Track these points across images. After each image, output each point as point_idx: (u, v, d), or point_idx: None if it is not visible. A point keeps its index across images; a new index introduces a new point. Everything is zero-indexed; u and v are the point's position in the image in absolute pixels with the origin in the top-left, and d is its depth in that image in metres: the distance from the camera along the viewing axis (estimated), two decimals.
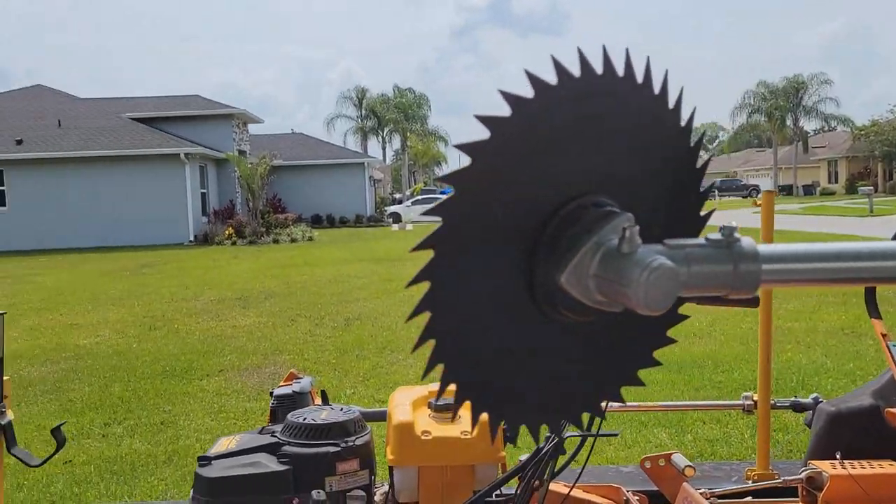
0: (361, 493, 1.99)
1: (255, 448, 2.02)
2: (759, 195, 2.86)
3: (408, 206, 41.77)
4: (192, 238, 26.25)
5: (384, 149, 67.09)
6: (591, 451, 2.05)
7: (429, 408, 2.06)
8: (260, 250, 23.04)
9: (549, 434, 1.91)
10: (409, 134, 63.30)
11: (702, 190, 0.75)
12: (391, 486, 2.08)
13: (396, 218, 39.36)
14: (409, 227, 34.33)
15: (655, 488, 2.27)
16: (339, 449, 2.00)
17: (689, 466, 2.09)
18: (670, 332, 0.77)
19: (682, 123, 0.72)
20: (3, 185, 26.24)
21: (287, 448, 2.01)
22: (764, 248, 0.63)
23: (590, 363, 0.74)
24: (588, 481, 2.52)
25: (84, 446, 5.58)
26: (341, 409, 2.17)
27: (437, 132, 66.20)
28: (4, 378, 2.08)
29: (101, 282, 16.15)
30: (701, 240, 0.62)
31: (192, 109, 29.09)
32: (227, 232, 25.67)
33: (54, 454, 2.14)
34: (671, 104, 0.70)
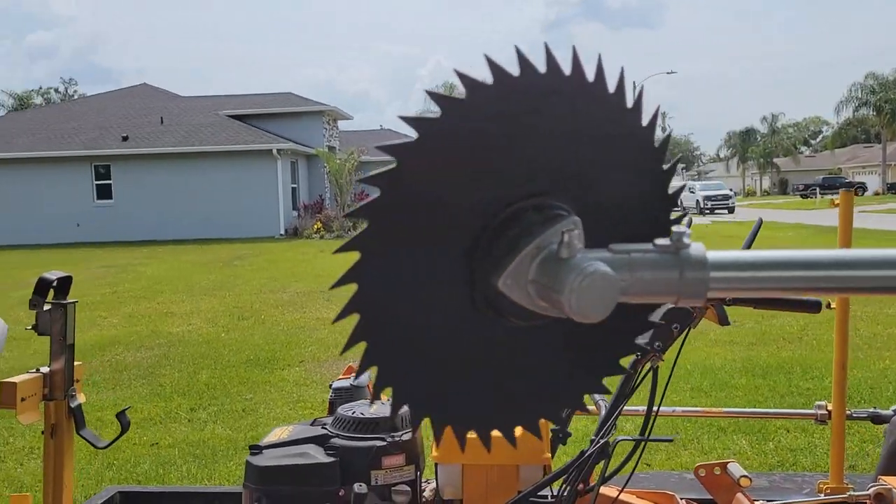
0: (406, 488, 2.01)
1: (304, 439, 2.06)
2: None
3: None
4: (282, 231, 27.00)
5: None
6: (640, 455, 2.00)
7: None
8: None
9: (593, 437, 1.87)
10: None
11: (671, 192, 0.72)
12: (436, 482, 2.08)
13: None
14: None
15: (710, 497, 2.19)
16: (384, 443, 2.02)
17: (745, 476, 2.01)
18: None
19: (644, 123, 0.69)
20: (109, 179, 27.64)
21: (335, 440, 2.04)
22: (713, 254, 0.59)
23: (545, 369, 0.72)
24: (647, 487, 2.46)
25: (170, 429, 5.82)
26: (386, 404, 2.19)
27: None
28: (76, 363, 2.19)
29: (196, 272, 16.80)
30: (648, 245, 0.59)
31: (285, 107, 29.87)
32: (315, 226, 26.28)
33: (119, 437, 2.24)
34: (630, 104, 0.67)
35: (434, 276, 0.64)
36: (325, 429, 2.10)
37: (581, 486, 1.85)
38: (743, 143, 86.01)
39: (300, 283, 14.24)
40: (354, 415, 2.09)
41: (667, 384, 2.01)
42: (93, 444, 2.18)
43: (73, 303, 2.16)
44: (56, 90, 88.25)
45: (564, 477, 1.86)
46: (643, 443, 2.03)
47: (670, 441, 2.54)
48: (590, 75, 0.64)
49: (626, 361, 0.77)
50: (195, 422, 6.03)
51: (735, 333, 8.44)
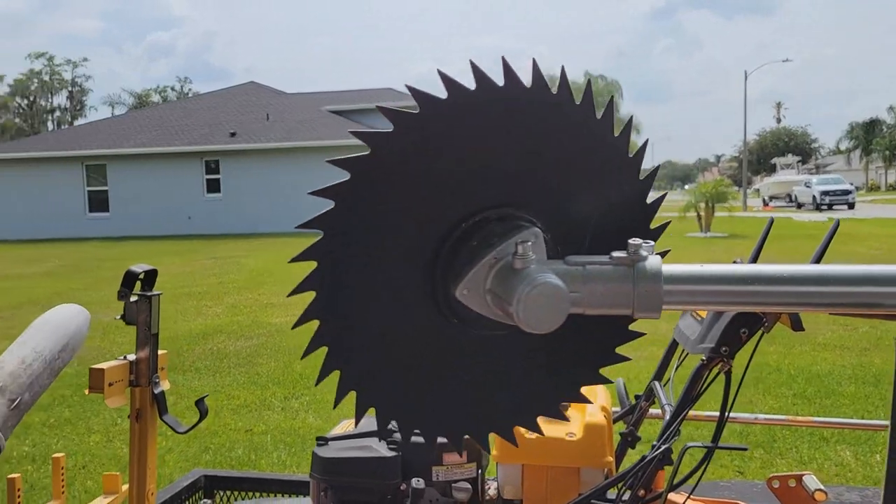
0: (467, 485, 2.02)
1: (368, 433, 2.10)
2: None
3: None
4: None
5: None
6: (706, 463, 1.95)
7: None
8: None
9: (655, 443, 1.83)
10: None
11: (649, 201, 0.70)
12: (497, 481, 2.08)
13: None
14: None
15: None
16: (446, 441, 2.03)
17: (821, 490, 1.91)
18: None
19: (615, 134, 0.68)
20: (218, 174, 28.88)
21: (398, 435, 2.07)
22: (669, 268, 0.58)
23: (518, 376, 0.71)
24: (726, 496, 2.38)
25: (264, 417, 6.04)
26: None
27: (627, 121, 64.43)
28: (160, 352, 2.30)
29: (298, 265, 17.32)
30: (604, 257, 0.58)
31: (384, 101, 30.39)
32: None
33: (198, 423, 2.34)
34: (598, 115, 0.66)
35: (395, 286, 0.64)
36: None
37: (642, 492, 1.81)
38: (867, 135, 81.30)
39: None
40: None
41: (737, 391, 1.95)
42: (174, 429, 2.29)
43: (158, 295, 2.27)
44: (172, 88, 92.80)
45: (625, 482, 1.83)
46: (713, 450, 1.97)
47: (744, 450, 2.45)
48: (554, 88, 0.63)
49: (614, 370, 0.75)
50: (288, 410, 6.23)
51: (847, 338, 8.04)
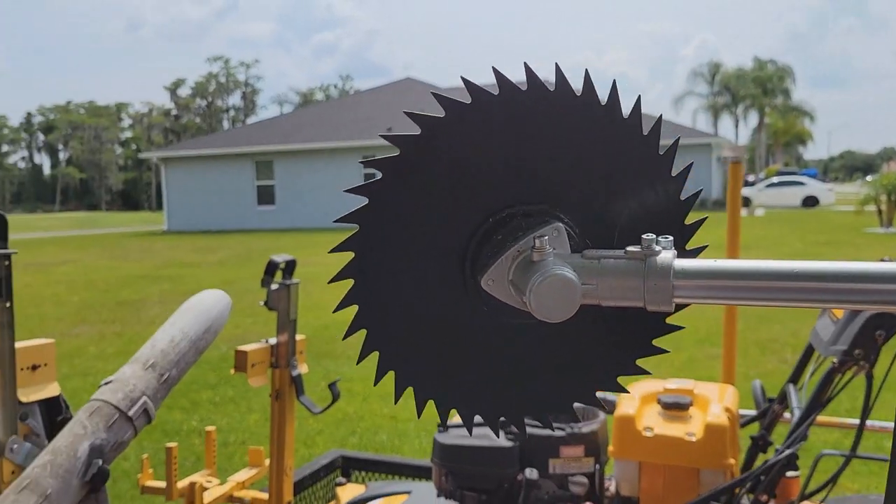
0: (584, 479, 2.02)
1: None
2: None
3: (760, 190, 38.92)
4: None
5: (737, 127, 63.19)
6: (839, 472, 1.85)
7: (658, 404, 2.01)
8: None
9: (780, 447, 1.76)
10: (767, 110, 58.68)
11: (683, 198, 0.69)
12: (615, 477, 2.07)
13: (745, 202, 36.93)
14: (760, 211, 32.02)
15: None
16: (563, 434, 2.05)
17: None
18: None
19: (644, 133, 0.68)
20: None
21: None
22: (680, 262, 0.58)
23: (553, 364, 0.72)
24: None
25: (409, 405, 6.24)
26: None
27: (800, 107, 60.40)
28: (298, 337, 2.46)
29: None
30: (620, 252, 0.60)
31: None
32: None
33: (330, 405, 2.48)
34: (625, 114, 0.66)
35: (427, 275, 0.68)
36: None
37: (765, 497, 1.74)
38: None
39: None
40: None
41: (875, 397, 1.83)
42: (309, 410, 2.44)
43: (296, 283, 2.43)
44: (335, 86, 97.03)
45: (746, 486, 1.76)
46: (849, 459, 1.87)
47: (885, 461, 2.27)
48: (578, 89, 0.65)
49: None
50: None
51: None
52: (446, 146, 0.67)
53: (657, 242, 0.61)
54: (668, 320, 0.70)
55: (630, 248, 0.61)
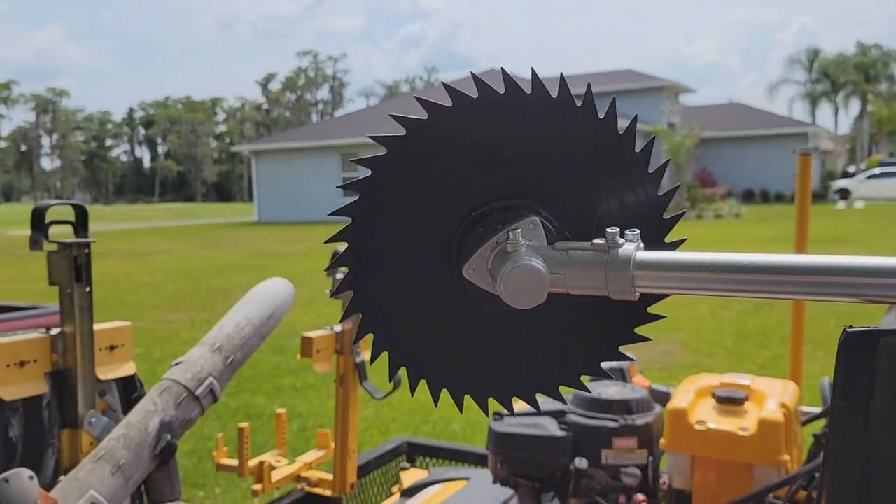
0: (636, 471, 2.03)
1: (545, 412, 2.18)
2: None
3: (860, 181, 37.13)
4: None
5: (836, 116, 60.41)
6: None
7: (713, 398, 2.00)
8: (681, 226, 22.68)
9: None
10: (870, 97, 55.84)
11: (661, 193, 0.72)
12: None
13: (844, 194, 35.32)
14: (859, 203, 30.57)
15: None
16: (616, 425, 2.06)
17: None
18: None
19: (620, 132, 0.71)
20: None
21: (571, 416, 2.13)
22: (641, 255, 0.61)
23: (538, 348, 0.76)
24: None
25: None
26: (631, 388, 2.21)
27: None
28: None
29: None
30: (587, 244, 0.63)
31: (623, 83, 29.77)
32: None
33: (392, 392, 2.55)
34: (601, 115, 0.69)
35: (416, 264, 0.74)
36: (567, 405, 2.19)
37: (816, 494, 1.71)
38: None
39: None
40: (592, 395, 2.16)
41: None
42: (371, 395, 2.52)
43: None
44: (420, 78, 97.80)
45: (796, 483, 1.74)
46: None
47: None
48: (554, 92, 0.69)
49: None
50: None
51: None
52: (430, 146, 0.72)
53: (622, 235, 0.65)
54: (655, 310, 0.74)
55: (596, 241, 0.65)
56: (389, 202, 0.72)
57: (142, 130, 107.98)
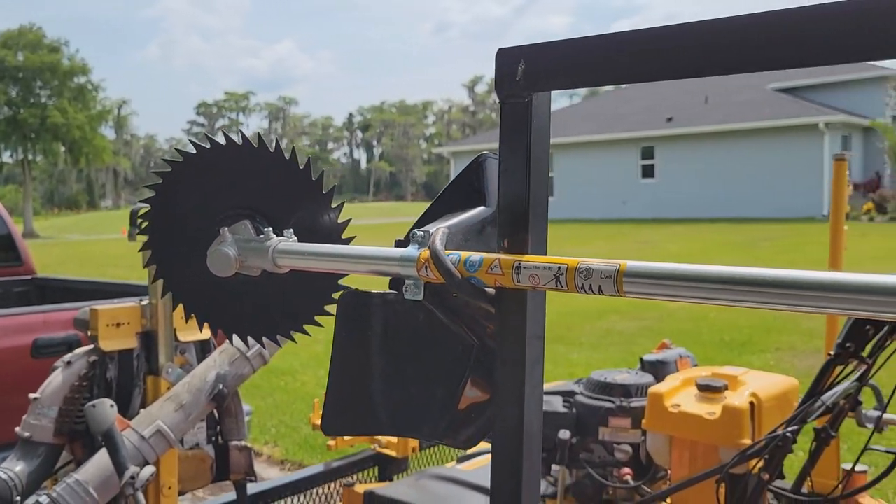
0: (628, 448, 2.24)
1: (556, 391, 2.43)
2: None
3: None
4: (825, 212, 25.08)
5: None
6: (890, 468, 1.91)
7: (695, 385, 2.15)
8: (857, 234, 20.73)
9: (773, 430, 1.84)
10: None
11: (334, 206, 1.07)
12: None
13: None
14: None
15: None
16: (613, 406, 2.28)
17: None
18: None
19: (301, 166, 1.07)
20: (653, 159, 29.35)
21: (578, 397, 2.37)
22: (281, 246, 0.99)
23: (261, 307, 1.08)
24: None
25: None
26: (637, 374, 2.41)
27: None
28: None
29: (717, 251, 17.00)
30: (260, 237, 0.99)
31: (842, 74, 27.53)
32: (865, 207, 23.76)
33: None
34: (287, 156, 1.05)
35: (194, 246, 1.11)
36: (577, 387, 2.44)
37: (766, 475, 1.85)
38: None
39: (819, 267, 13.34)
40: (600, 378, 2.39)
41: (893, 393, 1.84)
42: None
43: None
44: None
45: (743, 462, 1.88)
46: None
47: None
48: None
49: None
50: None
51: None
52: (194, 172, 1.11)
53: (282, 233, 1.02)
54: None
55: (260, 237, 1.03)
56: (175, 200, 1.12)
57: (359, 133, 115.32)
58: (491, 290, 0.81)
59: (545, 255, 0.82)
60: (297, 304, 1.10)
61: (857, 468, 2.08)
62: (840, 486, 1.99)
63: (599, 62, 0.74)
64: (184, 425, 2.09)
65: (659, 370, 2.61)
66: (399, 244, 0.92)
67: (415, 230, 0.90)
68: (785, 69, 0.69)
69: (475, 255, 0.79)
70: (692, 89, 31.04)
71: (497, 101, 0.86)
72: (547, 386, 2.55)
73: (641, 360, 2.71)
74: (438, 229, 0.85)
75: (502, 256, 0.78)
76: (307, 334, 1.12)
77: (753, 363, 7.09)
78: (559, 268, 0.72)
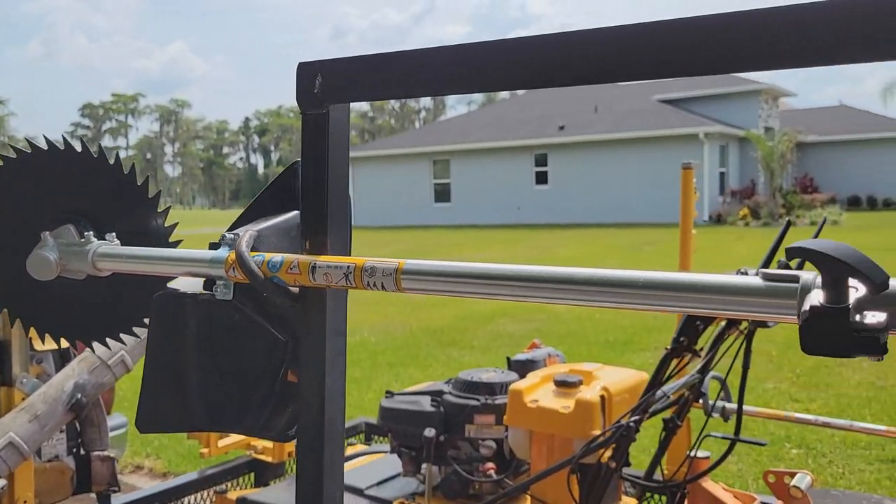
0: (493, 443, 2.32)
1: (426, 392, 2.50)
2: None
3: None
4: (706, 218, 26.39)
5: None
6: (726, 454, 2.04)
7: (553, 381, 2.26)
8: (770, 233, 21.97)
9: (616, 422, 1.96)
10: None
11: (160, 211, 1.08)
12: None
13: None
14: None
15: None
16: (478, 403, 2.36)
17: (797, 487, 1.86)
18: None
19: (126, 171, 1.09)
20: (546, 166, 30.13)
21: (446, 396, 2.44)
22: (103, 248, 1.00)
23: (97, 310, 1.11)
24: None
25: None
26: (502, 373, 2.51)
27: None
28: None
29: (605, 255, 17.62)
30: (81, 240, 1.01)
31: (719, 87, 29.07)
32: (741, 212, 25.15)
33: None
34: (111, 162, 1.06)
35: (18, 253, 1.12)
36: (446, 386, 2.51)
37: (613, 464, 1.96)
38: None
39: (702, 269, 14.04)
40: (466, 378, 2.47)
41: (741, 390, 1.99)
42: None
43: None
44: None
45: (590, 452, 1.99)
46: (735, 443, 2.06)
47: (763, 444, 2.38)
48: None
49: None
50: None
51: None
52: (14, 179, 1.11)
53: (96, 237, 1.04)
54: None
55: (82, 240, 1.03)
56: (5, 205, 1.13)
57: (256, 138, 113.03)
58: (296, 289, 0.86)
59: (348, 255, 0.87)
60: (128, 308, 1.11)
61: (700, 454, 2.23)
62: (682, 472, 2.13)
63: (393, 77, 0.80)
64: (39, 436, 2.03)
65: (527, 369, 2.71)
66: (213, 246, 0.95)
67: (226, 233, 0.93)
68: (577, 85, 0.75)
69: (277, 257, 0.84)
70: (583, 98, 32.06)
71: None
72: (418, 386, 2.62)
73: (508, 359, 2.81)
74: (246, 231, 0.89)
75: (301, 257, 0.83)
76: (137, 336, 1.13)
77: (634, 361, 7.41)
78: (348, 267, 0.78)
